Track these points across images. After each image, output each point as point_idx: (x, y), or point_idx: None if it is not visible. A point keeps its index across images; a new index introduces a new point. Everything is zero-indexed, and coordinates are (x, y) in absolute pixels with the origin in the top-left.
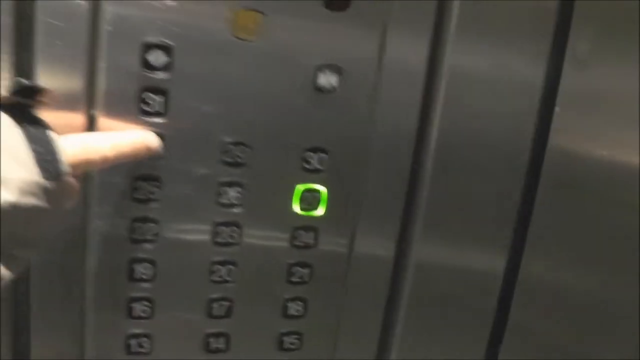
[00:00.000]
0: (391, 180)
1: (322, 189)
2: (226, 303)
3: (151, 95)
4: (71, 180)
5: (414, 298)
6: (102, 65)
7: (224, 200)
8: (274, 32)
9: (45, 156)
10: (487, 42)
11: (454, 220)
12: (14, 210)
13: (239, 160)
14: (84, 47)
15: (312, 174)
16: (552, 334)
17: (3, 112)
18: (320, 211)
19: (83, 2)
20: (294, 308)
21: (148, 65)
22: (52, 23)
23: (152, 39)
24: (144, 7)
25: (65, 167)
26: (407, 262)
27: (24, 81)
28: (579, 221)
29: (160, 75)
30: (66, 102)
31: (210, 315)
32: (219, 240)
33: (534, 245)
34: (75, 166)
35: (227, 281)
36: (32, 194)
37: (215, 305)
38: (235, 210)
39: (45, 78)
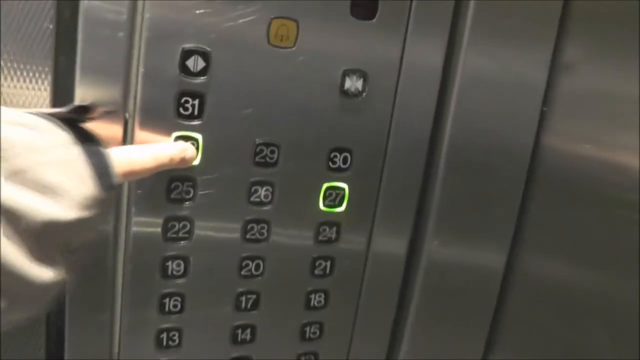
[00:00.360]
0: (406, 180)
1: (345, 186)
2: (253, 296)
3: (188, 99)
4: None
5: (424, 292)
6: (140, 70)
7: (255, 199)
8: (305, 39)
9: (101, 170)
10: (498, 45)
11: (463, 219)
12: (77, 223)
13: (269, 160)
14: (123, 53)
15: (337, 173)
16: (550, 331)
17: (63, 130)
18: (342, 207)
19: (123, 9)
20: (316, 299)
21: (186, 70)
22: (93, 29)
23: (190, 45)
24: (182, 14)
25: (116, 179)
26: (419, 258)
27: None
28: (576, 220)
29: (197, 79)
30: (105, 106)
31: (238, 308)
32: (249, 236)
33: (531, 244)
34: (121, 177)
35: (254, 275)
36: (91, 207)
37: (243, 298)
38: (265, 208)
39: (84, 83)
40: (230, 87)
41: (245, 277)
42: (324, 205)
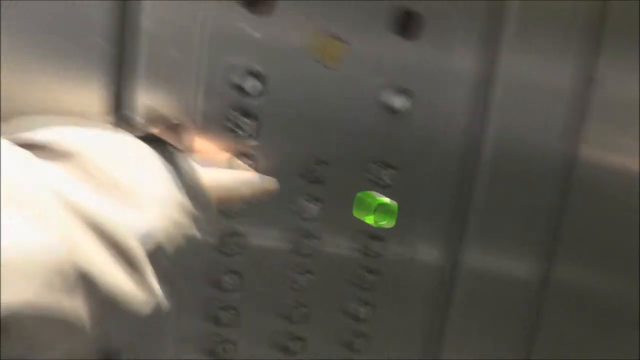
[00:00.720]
0: (442, 193)
1: (393, 203)
2: (304, 309)
3: (244, 119)
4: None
5: (463, 301)
6: (200, 90)
7: (306, 215)
8: (353, 58)
9: (195, 191)
10: (537, 56)
11: (501, 228)
12: (170, 237)
13: (319, 177)
14: (183, 75)
15: (383, 189)
16: (585, 338)
17: (157, 152)
18: (390, 223)
19: (184, 33)
20: (363, 312)
21: (243, 92)
22: (154, 51)
23: (248, 67)
24: (240, 40)
25: (210, 202)
26: (456, 268)
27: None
28: (611, 229)
29: (253, 100)
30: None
31: (290, 321)
32: (300, 251)
33: (568, 253)
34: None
35: (305, 288)
36: (186, 226)
37: (294, 311)
38: (315, 223)
39: (145, 103)
40: (284, 108)
41: (296, 290)
42: (374, 221)
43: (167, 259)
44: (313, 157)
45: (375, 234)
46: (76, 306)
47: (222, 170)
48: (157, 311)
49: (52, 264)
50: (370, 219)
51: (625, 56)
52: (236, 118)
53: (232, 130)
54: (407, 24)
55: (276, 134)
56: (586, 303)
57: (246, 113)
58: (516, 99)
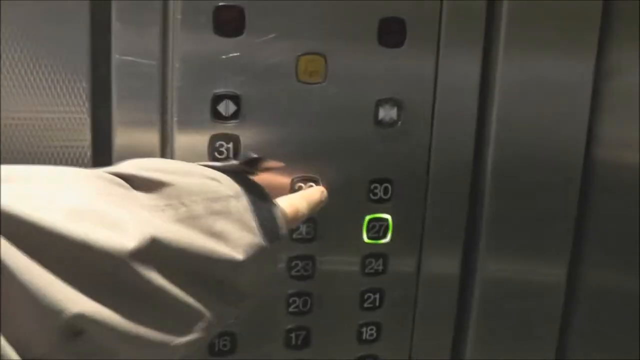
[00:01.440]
0: (452, 202)
1: (388, 217)
2: (303, 332)
3: (222, 143)
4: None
5: (481, 313)
6: (174, 118)
7: (297, 236)
8: (334, 73)
9: (268, 222)
10: (537, 54)
11: (516, 235)
12: (242, 268)
13: None
14: (157, 103)
15: (378, 204)
16: (614, 340)
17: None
18: (387, 238)
19: (154, 62)
20: (368, 332)
21: (218, 115)
22: (126, 83)
23: (221, 90)
24: (210, 61)
25: (283, 230)
26: (473, 278)
27: (249, 153)
28: (633, 228)
29: (230, 123)
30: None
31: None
32: (294, 273)
33: (591, 256)
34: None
35: (303, 312)
36: (256, 254)
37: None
38: (309, 244)
39: (121, 134)
40: (264, 128)
41: (294, 314)
42: (368, 237)
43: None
44: (300, 177)
45: (374, 253)
46: None
47: (293, 196)
48: None
49: None
50: (365, 236)
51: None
52: (214, 143)
53: (213, 156)
54: (391, 32)
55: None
56: (617, 306)
57: (225, 137)
58: (518, 97)
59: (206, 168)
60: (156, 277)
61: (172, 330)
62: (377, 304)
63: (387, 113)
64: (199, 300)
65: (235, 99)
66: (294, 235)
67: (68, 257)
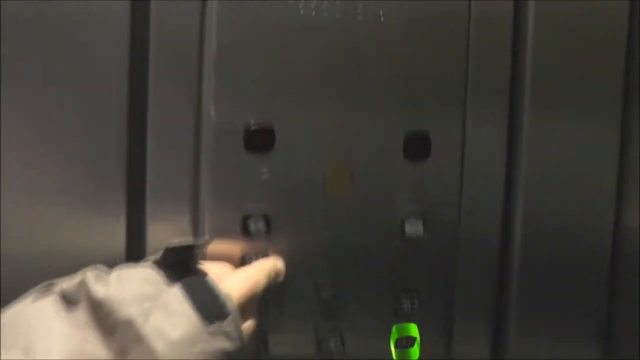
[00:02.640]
0: (479, 305)
1: (416, 332)
2: None
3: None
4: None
5: None
6: (205, 236)
7: (325, 350)
8: (360, 186)
9: (206, 302)
10: (561, 129)
11: (547, 318)
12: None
13: (336, 311)
14: (188, 219)
15: (405, 315)
16: None
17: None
18: (414, 353)
19: (184, 177)
20: None
21: (248, 234)
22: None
23: (251, 210)
24: (241, 182)
25: (229, 306)
26: None
27: (178, 242)
28: None
29: (260, 241)
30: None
31: None
32: None
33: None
34: (245, 302)
35: None
36: (202, 340)
37: None
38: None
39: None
40: (294, 245)
41: None
42: (396, 349)
43: None
44: (328, 291)
45: None
46: None
47: (244, 270)
48: None
49: None
50: (393, 349)
51: None
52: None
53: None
54: (415, 144)
55: (287, 271)
56: None
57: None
58: (543, 184)
59: (134, 270)
60: None
61: None
62: None
63: (413, 228)
64: None
65: (266, 218)
66: (320, 349)
67: None
